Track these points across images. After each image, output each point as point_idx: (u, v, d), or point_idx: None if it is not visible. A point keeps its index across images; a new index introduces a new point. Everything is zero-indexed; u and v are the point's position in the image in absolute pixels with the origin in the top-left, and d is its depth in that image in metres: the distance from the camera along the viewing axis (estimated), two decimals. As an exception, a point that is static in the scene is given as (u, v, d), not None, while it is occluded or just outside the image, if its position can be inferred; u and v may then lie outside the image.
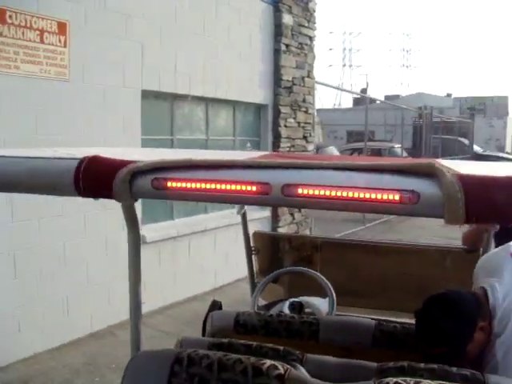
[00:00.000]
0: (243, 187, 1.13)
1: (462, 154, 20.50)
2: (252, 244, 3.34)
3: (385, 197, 1.03)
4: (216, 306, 2.81)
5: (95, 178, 1.22)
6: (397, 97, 36.21)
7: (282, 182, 1.10)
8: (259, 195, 1.12)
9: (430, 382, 1.41)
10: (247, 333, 2.20)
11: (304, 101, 8.59)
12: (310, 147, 8.95)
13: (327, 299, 2.94)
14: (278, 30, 7.75)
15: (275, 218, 8.11)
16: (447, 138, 19.15)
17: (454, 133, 20.65)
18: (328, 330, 2.22)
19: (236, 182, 1.13)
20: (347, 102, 50.16)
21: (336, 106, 44.55)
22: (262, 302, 3.23)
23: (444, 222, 1.02)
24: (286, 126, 8.14)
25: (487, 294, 2.06)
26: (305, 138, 8.73)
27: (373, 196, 1.03)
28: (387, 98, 30.47)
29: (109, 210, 5.13)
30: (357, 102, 40.71)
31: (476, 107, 32.09)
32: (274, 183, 1.10)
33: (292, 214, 8.55)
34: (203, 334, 2.46)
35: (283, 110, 8.04)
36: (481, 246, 2.98)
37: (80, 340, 5.00)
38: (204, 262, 6.63)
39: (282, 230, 8.18)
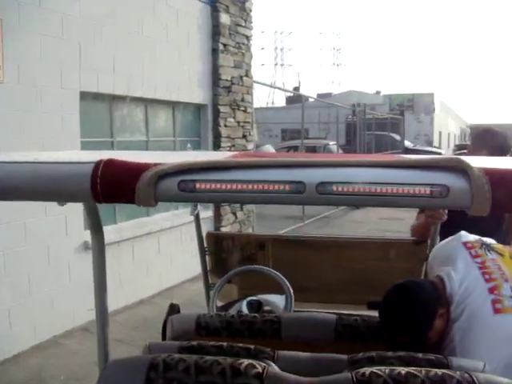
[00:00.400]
0: (276, 187, 1.12)
1: (393, 149, 21.15)
2: (205, 244, 3.32)
3: (416, 191, 1.06)
4: (174, 309, 2.77)
5: (115, 182, 1.17)
6: (329, 95, 36.98)
7: (317, 180, 1.11)
8: (294, 194, 1.11)
9: (403, 368, 1.45)
10: (209, 335, 2.17)
11: (243, 100, 8.62)
12: (250, 146, 9.00)
13: (283, 296, 2.97)
14: (215, 30, 7.73)
15: (218, 218, 8.10)
16: (380, 134, 19.71)
17: (385, 129, 21.27)
18: (290, 327, 2.24)
19: (269, 182, 1.12)
20: (280, 101, 50.73)
21: (269, 105, 45.04)
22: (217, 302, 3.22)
23: (470, 212, 1.07)
24: (225, 126, 8.15)
25: (444, 282, 2.13)
26: (244, 137, 8.77)
27: (405, 191, 1.06)
28: (320, 96, 30.98)
29: (49, 217, 4.98)
30: (290, 100, 41.23)
31: (405, 104, 33.23)
32: (309, 182, 1.11)
33: (234, 214, 8.57)
34: (163, 339, 2.42)
35: (223, 109, 8.04)
36: (429, 238, 3.08)
37: (24, 353, 4.81)
38: (149, 265, 6.54)
39: (224, 230, 8.18)
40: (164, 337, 2.38)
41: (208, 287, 3.35)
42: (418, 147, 26.00)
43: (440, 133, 37.47)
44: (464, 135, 55.71)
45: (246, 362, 1.50)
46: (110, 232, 6.01)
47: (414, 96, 34.14)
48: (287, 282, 2.95)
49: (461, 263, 2.21)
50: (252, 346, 1.79)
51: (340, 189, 1.09)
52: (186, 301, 5.64)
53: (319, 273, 3.32)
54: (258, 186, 1.13)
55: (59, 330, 5.10)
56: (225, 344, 1.82)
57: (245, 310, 2.86)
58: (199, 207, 3.21)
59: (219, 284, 3.06)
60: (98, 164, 1.18)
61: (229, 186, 1.14)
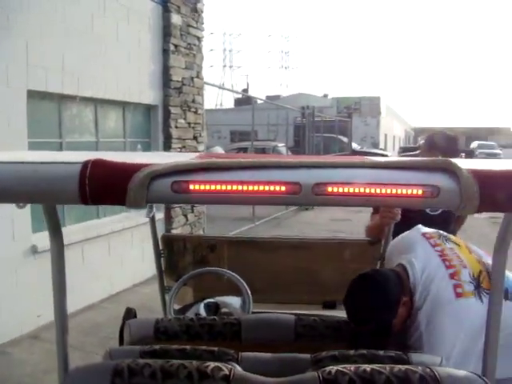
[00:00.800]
0: (272, 187, 1.11)
1: (341, 151, 21.49)
2: (160, 247, 3.27)
3: (409, 192, 1.09)
4: (131, 313, 2.72)
5: (105, 183, 1.13)
6: (278, 97, 37.24)
7: (313, 181, 1.11)
8: (289, 195, 1.11)
9: (368, 365, 1.48)
10: (169, 339, 2.14)
11: (194, 101, 8.57)
12: (201, 147, 8.95)
13: (240, 298, 2.97)
14: (166, 30, 7.65)
15: (169, 220, 8.02)
16: (328, 136, 20.00)
17: (334, 131, 21.60)
18: (250, 329, 2.24)
19: (265, 183, 1.11)
20: (228, 103, 50.76)
21: (218, 107, 44.95)
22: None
23: (458, 212, 1.12)
24: (176, 127, 8.08)
25: (407, 270, 2.18)
26: (195, 138, 8.72)
27: (398, 191, 1.09)
28: (268, 98, 31.14)
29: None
30: (239, 102, 41.28)
31: (352, 107, 33.84)
32: (305, 182, 1.11)
33: (185, 216, 8.51)
34: (120, 344, 2.37)
35: (173, 110, 7.97)
36: (383, 238, 3.14)
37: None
38: (99, 268, 6.39)
39: (175, 232, 8.10)
40: (121, 342, 2.34)
41: (163, 290, 3.30)
42: (365, 149, 26.50)
43: (386, 135, 38.36)
44: (408, 138, 57.20)
45: (212, 364, 1.50)
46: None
47: (361, 99, 34.84)
48: (245, 284, 2.95)
49: (421, 251, 2.28)
50: (215, 349, 1.79)
51: (335, 190, 1.10)
52: (138, 305, 5.54)
53: (274, 274, 3.33)
54: (254, 187, 1.12)
55: (5, 339, 4.92)
56: (188, 347, 1.82)
57: (202, 312, 2.83)
58: (154, 209, 3.17)
59: (176, 287, 3.03)
60: (85, 164, 1.14)
61: (224, 187, 1.12)
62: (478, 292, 2.08)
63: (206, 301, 2.95)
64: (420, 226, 2.56)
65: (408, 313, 2.10)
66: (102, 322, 5.48)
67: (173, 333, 2.20)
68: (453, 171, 1.09)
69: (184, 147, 8.28)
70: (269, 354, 1.87)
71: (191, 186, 1.13)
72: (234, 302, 3.00)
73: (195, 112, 8.63)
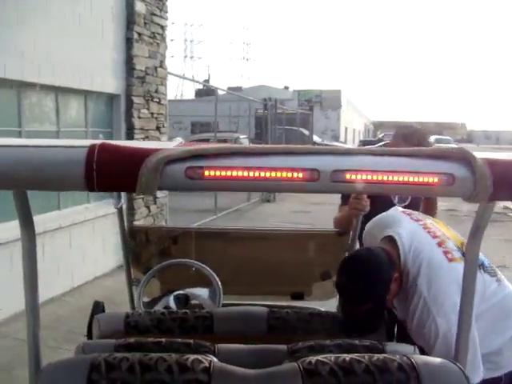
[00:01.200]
0: (290, 174, 1.09)
1: (302, 143, 21.59)
2: (129, 239, 3.21)
3: (425, 179, 1.10)
4: (99, 307, 2.67)
5: (114, 168, 1.07)
6: (239, 88, 37.13)
7: (331, 168, 1.09)
8: (307, 182, 1.09)
9: (347, 355, 1.50)
10: (140, 334, 2.10)
11: (157, 91, 8.45)
12: (164, 138, 8.84)
13: (208, 289, 2.96)
14: (130, 18, 7.51)
15: (131, 211, 7.91)
16: (290, 128, 20.06)
17: (295, 124, 21.67)
18: (222, 322, 2.23)
19: (283, 169, 1.08)
20: (189, 94, 50.35)
21: (178, 97, 44.53)
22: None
23: (470, 200, 1.13)
24: (139, 117, 7.95)
25: (396, 241, 2.18)
26: (158, 128, 8.61)
27: (415, 179, 1.10)
28: (230, 89, 31.04)
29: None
30: (199, 93, 40.98)
31: (313, 100, 34.05)
32: (323, 169, 1.09)
33: (148, 207, 8.41)
34: (89, 339, 2.33)
35: (136, 100, 7.84)
36: (351, 229, 3.17)
37: None
38: (60, 261, 6.25)
39: (138, 223, 8.01)
40: (90, 337, 2.29)
41: (131, 283, 3.25)
42: (326, 142, 26.72)
43: (346, 128, 38.79)
44: (368, 131, 58.01)
45: (191, 357, 1.49)
46: (17, 227, 5.69)
47: (322, 92, 35.10)
48: (215, 276, 2.93)
49: (406, 224, 2.31)
50: (191, 341, 1.79)
51: (353, 177, 1.09)
52: (101, 298, 5.38)
53: (242, 265, 3.33)
54: (271, 173, 1.09)
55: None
56: (163, 340, 1.81)
57: (172, 304, 2.81)
58: (123, 200, 3.11)
59: (146, 279, 2.98)
60: (92, 148, 1.07)
61: (240, 174, 1.09)
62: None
63: (176, 293, 2.92)
64: (396, 207, 2.63)
65: (398, 288, 2.12)
66: (63, 316, 5.37)
67: (144, 327, 2.17)
68: (468, 160, 1.10)
69: (147, 138, 8.17)
70: (245, 346, 1.87)
71: (206, 173, 1.09)
72: (203, 293, 2.99)
73: (158, 102, 8.51)
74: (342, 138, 35.18)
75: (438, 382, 1.45)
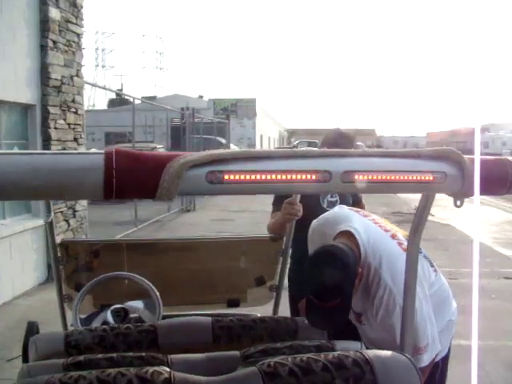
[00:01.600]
0: (304, 176, 1.13)
1: (220, 152, 21.55)
2: (59, 254, 3.07)
3: (423, 178, 1.20)
4: (33, 328, 2.55)
5: (135, 175, 1.03)
6: (154, 98, 36.69)
7: (342, 169, 1.15)
8: (320, 183, 1.14)
9: (303, 355, 1.53)
10: (82, 353, 2.03)
11: (74, 101, 8.18)
12: (82, 150, 8.56)
13: (145, 301, 2.90)
14: (44, 25, 7.20)
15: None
16: (207, 137, 20.04)
17: (212, 132, 21.70)
18: (167, 335, 2.20)
19: (297, 172, 1.13)
20: (101, 104, 49.22)
21: (90, 108, 43.37)
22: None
23: (459, 196, 1.24)
24: (55, 128, 7.65)
25: (354, 236, 2.20)
26: (76, 140, 8.33)
27: (413, 178, 1.19)
28: (144, 99, 30.64)
29: None
30: (112, 103, 40.18)
31: (228, 108, 34.25)
32: (334, 171, 1.14)
33: (67, 221, 8.10)
34: (24, 363, 2.20)
35: (52, 110, 7.54)
36: (284, 234, 3.21)
37: None
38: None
39: (57, 238, 7.70)
40: (26, 360, 2.18)
41: (62, 300, 3.12)
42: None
43: (261, 136, 39.28)
44: (282, 138, 59.05)
45: (150, 369, 1.46)
46: None
47: (238, 101, 35.36)
48: (154, 288, 2.87)
49: (357, 220, 2.35)
50: (143, 354, 1.75)
51: (361, 177, 1.16)
52: (21, 318, 5.20)
53: (177, 276, 3.30)
54: (287, 176, 1.13)
55: None
56: (114, 355, 1.75)
57: (110, 319, 2.72)
58: (52, 214, 2.98)
59: (82, 293, 2.86)
60: (109, 154, 1.03)
61: (258, 177, 1.12)
62: None
63: (113, 307, 2.83)
64: (341, 205, 2.74)
65: (360, 282, 2.14)
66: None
67: (86, 346, 2.08)
68: (457, 159, 1.20)
69: (64, 149, 7.88)
70: (197, 355, 1.84)
71: (226, 176, 1.11)
72: (141, 306, 2.92)
73: (75, 112, 8.24)
74: (257, 146, 35.60)
75: (391, 372, 1.51)
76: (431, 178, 1.19)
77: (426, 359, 2.07)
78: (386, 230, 2.33)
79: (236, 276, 3.52)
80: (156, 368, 1.46)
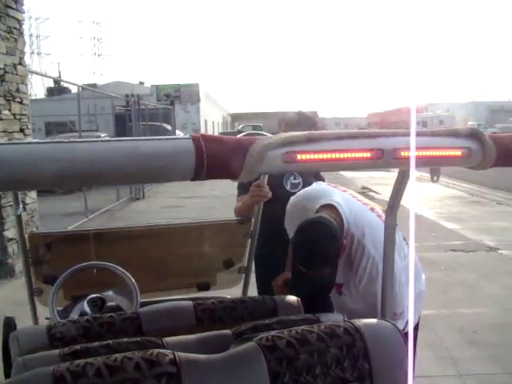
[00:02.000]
0: (361, 154, 1.28)
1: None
2: (28, 247, 3.05)
3: (452, 153, 1.34)
4: (12, 324, 2.53)
5: (222, 157, 1.14)
6: (94, 85, 35.82)
7: (392, 147, 1.29)
8: (374, 160, 1.28)
9: (298, 327, 1.62)
10: (66, 345, 2.01)
11: (18, 91, 7.93)
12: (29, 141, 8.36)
13: (120, 290, 2.92)
14: (-17, 11, 6.96)
15: (0, 220, 7.41)
16: (153, 124, 19.79)
17: (158, 119, 21.43)
18: (151, 321, 2.22)
19: (355, 150, 1.27)
20: (38, 92, 47.58)
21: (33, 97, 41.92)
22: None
23: (479, 168, 1.38)
24: (1, 119, 7.43)
25: (337, 209, 2.27)
26: (22, 130, 8.09)
27: (446, 153, 1.34)
28: (84, 87, 29.84)
29: None
30: (50, 91, 38.96)
31: (171, 94, 33.84)
32: (386, 149, 1.28)
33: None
34: (5, 360, 2.20)
35: (-4, 100, 7.31)
36: (252, 216, 3.28)
37: None
38: None
39: (8, 233, 7.55)
40: (7, 357, 2.16)
41: (32, 294, 3.10)
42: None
43: (206, 121, 39.06)
44: (226, 123, 58.90)
45: (154, 351, 1.50)
46: None
47: (181, 86, 34.96)
48: (130, 276, 2.90)
49: (338, 194, 2.43)
50: (138, 338, 1.78)
51: (406, 154, 1.29)
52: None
53: (146, 262, 3.32)
54: (348, 154, 1.27)
55: None
56: (110, 342, 1.77)
57: (87, 310, 2.72)
58: (21, 206, 2.95)
59: (57, 285, 2.85)
60: (196, 139, 1.13)
61: (322, 156, 1.25)
62: None
63: (89, 297, 2.83)
64: (318, 181, 2.89)
65: (343, 253, 2.22)
66: None
67: (70, 338, 2.08)
68: (478, 136, 1.34)
69: (11, 140, 7.66)
70: (190, 336, 1.88)
71: (299, 156, 1.23)
72: (117, 295, 2.94)
73: (20, 102, 7.99)
74: (202, 131, 35.38)
75: (378, 337, 1.63)
76: (459, 154, 1.33)
77: (400, 325, 2.21)
78: (365, 204, 2.44)
79: (205, 260, 3.57)
80: (160, 350, 1.50)
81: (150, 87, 35.44)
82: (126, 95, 16.87)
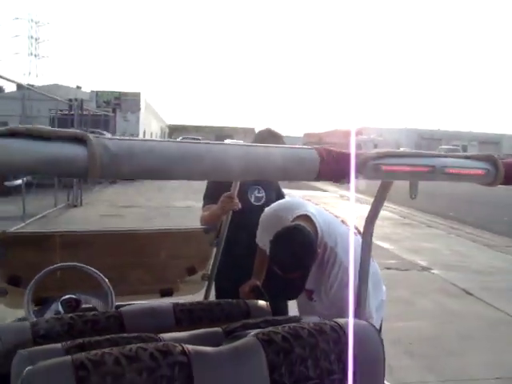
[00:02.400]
0: (420, 168, 1.58)
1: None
2: None
3: (477, 172, 1.60)
4: None
5: (337, 165, 1.43)
6: (31, 86, 34.76)
7: (440, 165, 1.57)
8: (430, 174, 1.57)
9: (290, 324, 1.77)
10: (50, 342, 1.96)
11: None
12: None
13: (92, 293, 2.98)
14: None
15: None
16: (93, 130, 19.46)
17: (99, 126, 21.12)
18: (133, 320, 2.28)
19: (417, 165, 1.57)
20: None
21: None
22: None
23: (488, 185, 1.67)
24: None
25: (311, 219, 2.47)
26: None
27: (472, 172, 1.61)
28: (20, 87, 28.94)
29: None
30: (-21, 91, 37.37)
31: (111, 101, 33.35)
32: (437, 166, 1.56)
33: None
34: None
35: None
36: (217, 225, 3.44)
37: None
38: None
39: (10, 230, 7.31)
40: None
41: None
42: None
43: (144, 131, 38.61)
44: (164, 134, 58.37)
45: (163, 343, 1.59)
46: None
47: (121, 94, 34.46)
48: (104, 277, 2.97)
49: (311, 207, 2.63)
50: (137, 334, 1.82)
51: (451, 171, 1.57)
52: None
53: (111, 267, 3.34)
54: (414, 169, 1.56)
55: None
56: (109, 336, 1.80)
57: (62, 311, 2.75)
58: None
59: (31, 287, 2.88)
60: (319, 150, 1.42)
61: (408, 169, 1.53)
62: (360, 234, 2.57)
63: (63, 298, 2.86)
64: (292, 195, 3.15)
65: (315, 260, 2.42)
66: None
67: (55, 334, 2.10)
68: (494, 160, 1.62)
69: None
70: (183, 333, 1.97)
71: (389, 168, 1.49)
72: (90, 296, 2.99)
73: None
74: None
75: (360, 335, 1.79)
76: (481, 173, 1.60)
77: None
78: (336, 216, 2.66)
79: (168, 266, 3.65)
80: (168, 342, 1.59)
81: (90, 93, 34.71)
82: (70, 99, 16.58)
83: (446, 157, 1.62)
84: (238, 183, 3.26)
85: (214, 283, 3.63)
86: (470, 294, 7.65)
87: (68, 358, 1.47)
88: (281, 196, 3.93)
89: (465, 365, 5.06)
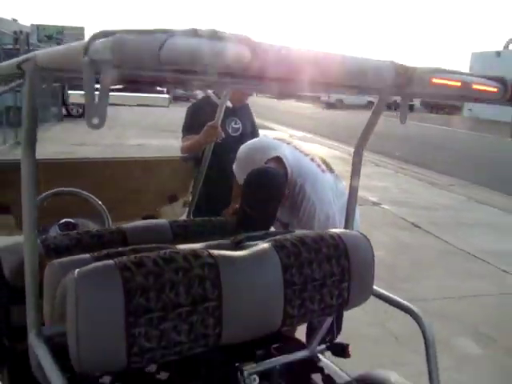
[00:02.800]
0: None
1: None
2: None
3: (493, 89, 1.61)
4: None
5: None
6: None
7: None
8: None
9: (296, 233, 1.97)
10: (60, 255, 2.01)
11: None
12: None
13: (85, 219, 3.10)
14: None
15: None
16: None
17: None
18: (134, 235, 2.37)
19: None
20: None
21: None
22: None
23: (499, 104, 1.73)
24: None
25: (283, 161, 2.75)
26: None
27: (490, 89, 1.61)
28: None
29: None
30: None
31: (54, 36, 31.96)
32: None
33: None
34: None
35: None
36: (203, 155, 3.58)
37: None
38: None
39: None
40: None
41: None
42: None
43: (88, 67, 37.20)
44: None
45: (189, 248, 1.73)
46: None
47: (65, 29, 33.03)
48: (100, 202, 3.09)
49: (284, 148, 2.90)
50: (154, 245, 1.87)
51: (475, 87, 1.59)
52: None
53: (95, 193, 3.37)
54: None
55: None
56: (136, 246, 1.88)
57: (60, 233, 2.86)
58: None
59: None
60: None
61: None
62: (329, 170, 2.91)
63: (60, 222, 2.96)
64: (264, 134, 3.48)
65: (286, 199, 2.72)
66: None
67: (64, 248, 2.19)
68: (504, 81, 1.64)
69: None
70: (199, 244, 2.05)
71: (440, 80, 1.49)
72: (86, 220, 3.10)
73: None
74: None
75: (354, 242, 1.98)
76: (495, 90, 1.63)
77: None
78: (306, 154, 2.92)
79: (150, 194, 3.78)
80: (191, 248, 1.74)
81: (31, 26, 33.05)
82: (15, 32, 15.86)
83: (467, 75, 1.64)
84: (222, 114, 3.40)
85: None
86: (419, 228, 8.18)
87: (111, 261, 1.55)
88: (255, 128, 4.11)
89: (417, 288, 5.54)
